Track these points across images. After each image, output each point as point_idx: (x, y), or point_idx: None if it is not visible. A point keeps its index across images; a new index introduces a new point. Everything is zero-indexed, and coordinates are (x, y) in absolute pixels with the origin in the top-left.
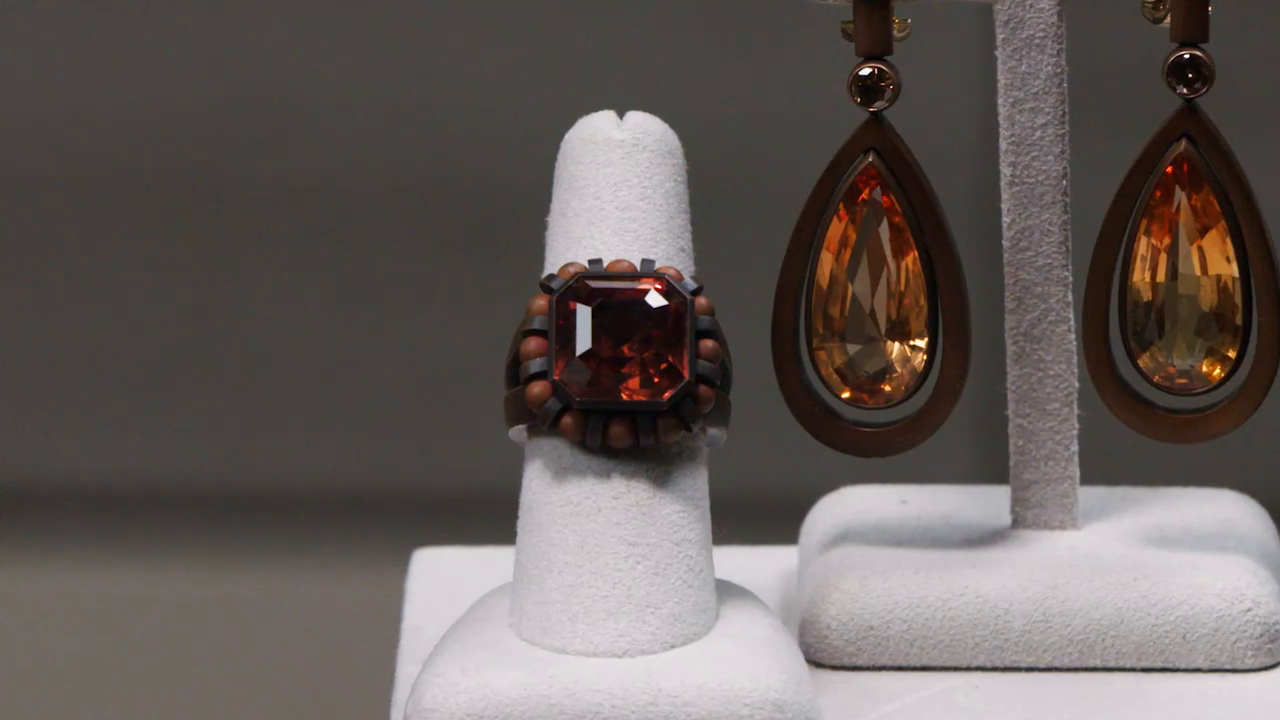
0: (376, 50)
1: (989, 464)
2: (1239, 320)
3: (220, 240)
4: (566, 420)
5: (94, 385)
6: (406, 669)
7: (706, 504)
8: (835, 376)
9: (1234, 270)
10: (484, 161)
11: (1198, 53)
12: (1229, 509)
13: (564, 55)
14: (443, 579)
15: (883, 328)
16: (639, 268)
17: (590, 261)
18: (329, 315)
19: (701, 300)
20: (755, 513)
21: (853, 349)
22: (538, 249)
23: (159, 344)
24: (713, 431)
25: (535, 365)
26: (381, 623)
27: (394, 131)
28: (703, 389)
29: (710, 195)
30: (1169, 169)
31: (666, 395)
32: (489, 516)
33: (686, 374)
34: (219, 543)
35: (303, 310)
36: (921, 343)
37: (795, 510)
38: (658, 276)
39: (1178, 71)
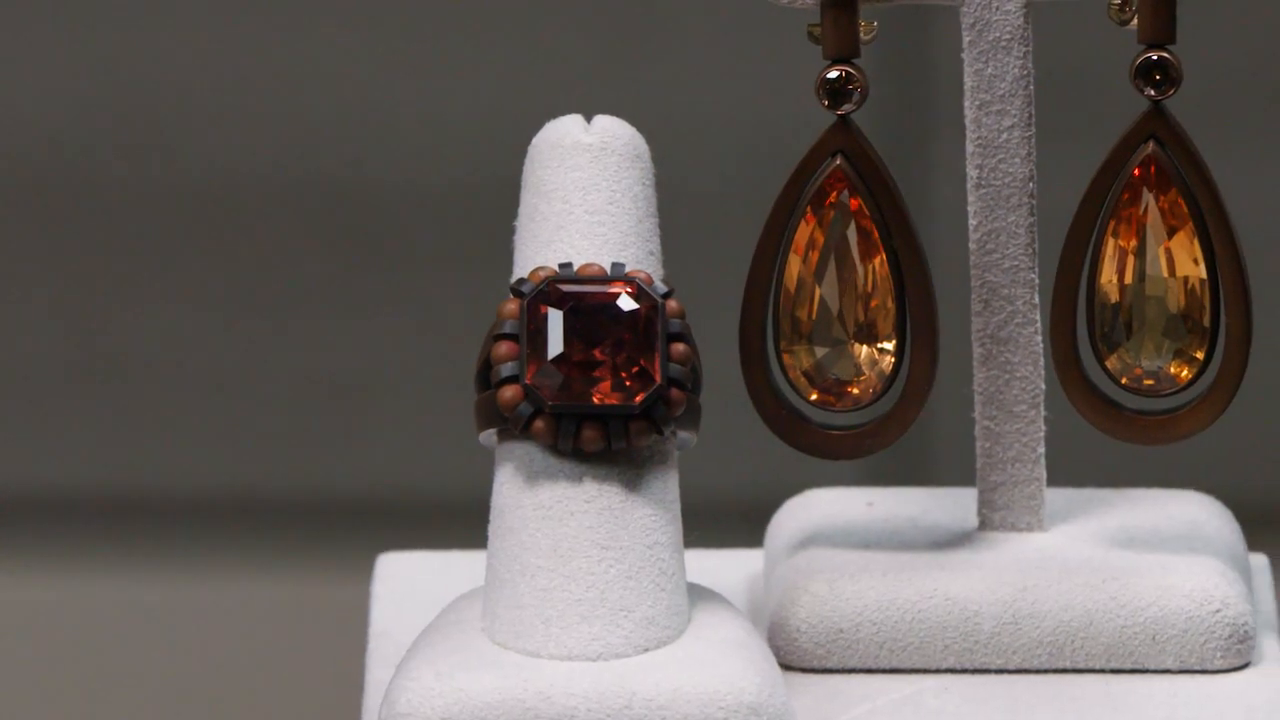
0: (317, 54)
1: (954, 466)
2: (1207, 322)
3: (169, 244)
4: (538, 424)
5: (50, 392)
6: (377, 673)
7: (678, 507)
8: (803, 379)
9: (1202, 272)
10: (445, 168)
11: (1165, 54)
12: (1195, 510)
13: (524, 59)
14: (408, 583)
15: (850, 330)
16: (609, 271)
17: (560, 265)
18: (291, 322)
19: (672, 304)
20: (719, 516)
21: (820, 352)
22: (495, 254)
23: (122, 350)
24: (683, 434)
25: (507, 369)
26: (346, 628)
27: (361, 138)
28: (674, 392)
29: (676, 199)
30: (1136, 171)
31: (638, 399)
32: (449, 522)
33: (658, 377)
34: (182, 550)
35: (266, 317)
36: (889, 345)
37: (758, 513)
38: (628, 280)
39: (1145, 73)
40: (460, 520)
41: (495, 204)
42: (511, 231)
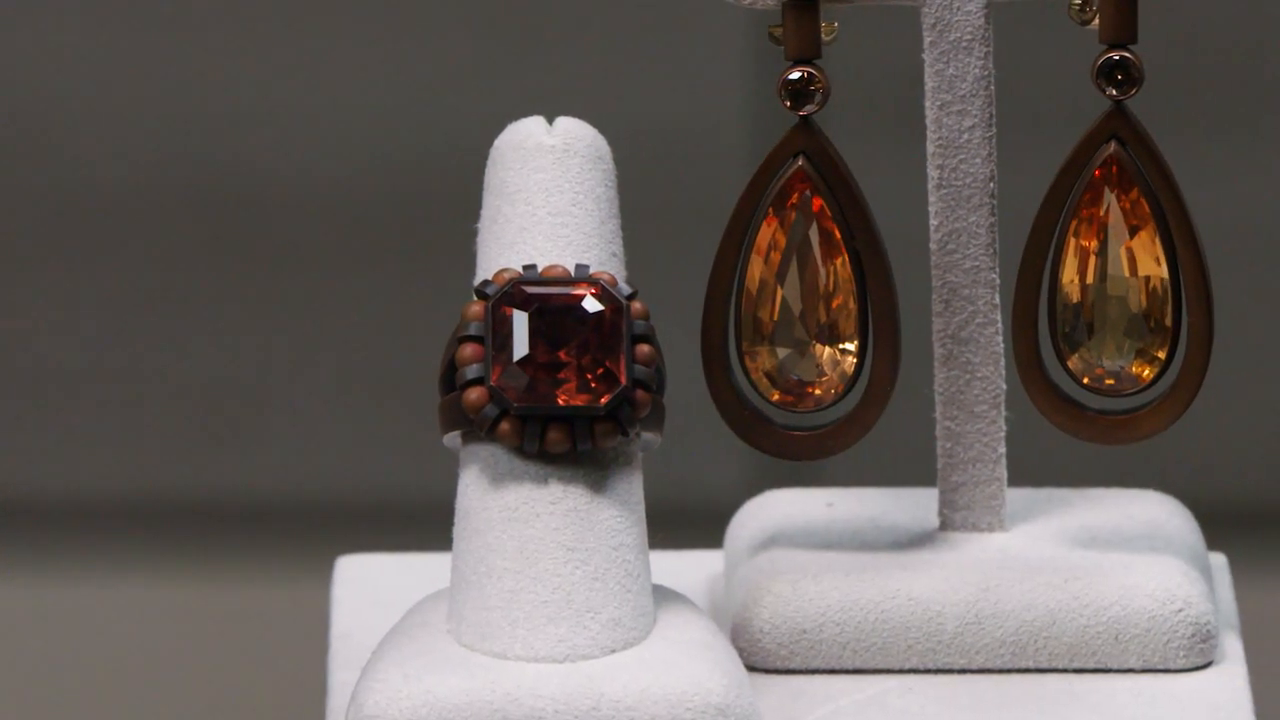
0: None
1: (912, 467)
2: (1168, 321)
3: (147, 251)
4: (504, 426)
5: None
6: (340, 675)
7: (642, 509)
8: (765, 380)
9: (1163, 271)
10: (406, 169)
11: (1126, 54)
12: (1155, 510)
13: (484, 62)
14: (368, 585)
15: (812, 331)
16: (573, 273)
17: (525, 267)
18: (245, 326)
19: (637, 305)
20: (677, 517)
21: (782, 353)
22: (451, 256)
23: (71, 356)
24: (647, 436)
25: (472, 371)
26: (303, 631)
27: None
28: (639, 394)
29: (637, 200)
30: (1098, 171)
31: (604, 400)
32: (402, 525)
33: (623, 379)
34: (132, 555)
35: (218, 322)
36: (851, 346)
37: (714, 514)
38: (593, 282)
39: (1107, 73)
40: (414, 523)
41: (422, 202)
42: (436, 230)
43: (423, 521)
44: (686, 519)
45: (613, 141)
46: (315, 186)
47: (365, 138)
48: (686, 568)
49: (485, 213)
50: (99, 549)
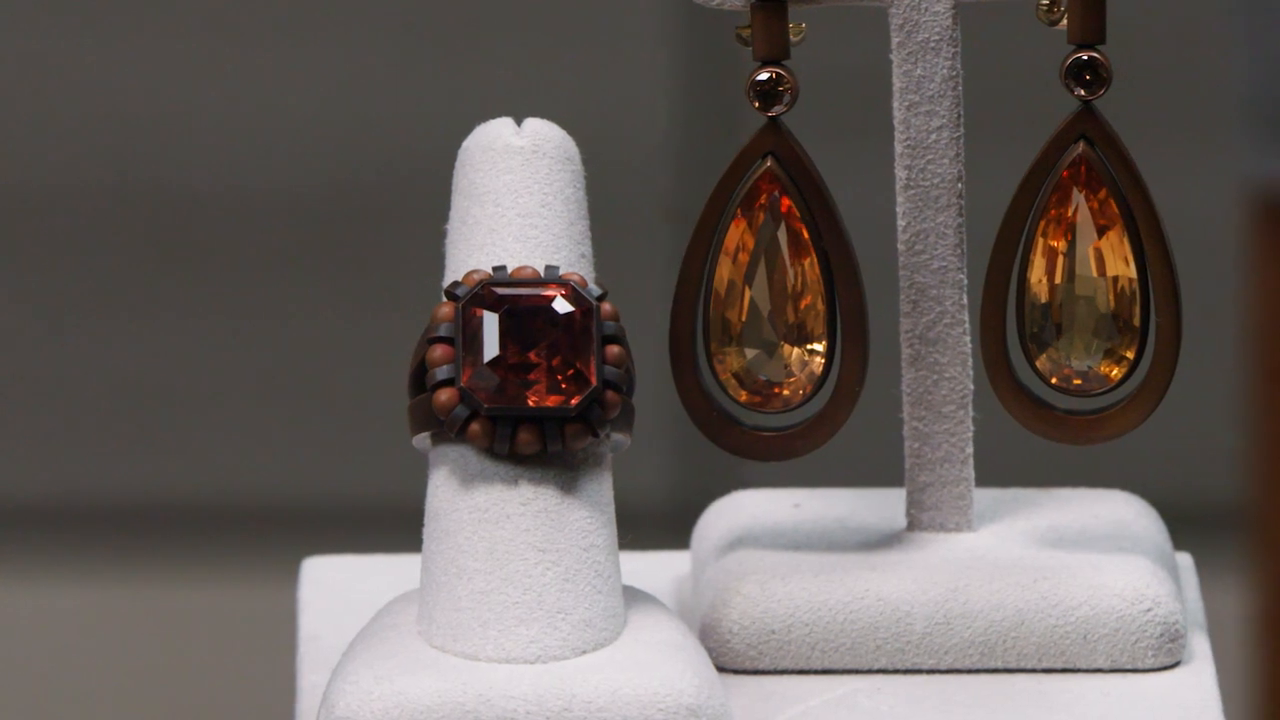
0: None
1: (879, 467)
2: (1137, 321)
3: (105, 255)
4: (474, 427)
5: None
6: (310, 677)
7: (612, 510)
8: (733, 381)
9: (1132, 271)
10: (362, 174)
11: (1095, 54)
12: (1121, 509)
13: (411, 65)
14: (335, 587)
15: (780, 332)
16: (543, 274)
17: (494, 268)
18: (207, 328)
19: (606, 306)
20: (642, 518)
21: (750, 353)
22: (409, 258)
23: (26, 358)
24: (617, 437)
25: (442, 372)
26: (270, 633)
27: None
28: (610, 395)
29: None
30: (1066, 171)
31: (575, 401)
32: (367, 526)
33: (594, 380)
34: (98, 559)
35: (183, 326)
36: (819, 347)
37: (679, 516)
38: (563, 283)
39: (1075, 73)
40: (376, 525)
41: (361, 204)
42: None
43: (385, 524)
44: (648, 520)
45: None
46: (253, 189)
47: (297, 140)
48: (652, 569)
49: (454, 214)
50: (57, 553)
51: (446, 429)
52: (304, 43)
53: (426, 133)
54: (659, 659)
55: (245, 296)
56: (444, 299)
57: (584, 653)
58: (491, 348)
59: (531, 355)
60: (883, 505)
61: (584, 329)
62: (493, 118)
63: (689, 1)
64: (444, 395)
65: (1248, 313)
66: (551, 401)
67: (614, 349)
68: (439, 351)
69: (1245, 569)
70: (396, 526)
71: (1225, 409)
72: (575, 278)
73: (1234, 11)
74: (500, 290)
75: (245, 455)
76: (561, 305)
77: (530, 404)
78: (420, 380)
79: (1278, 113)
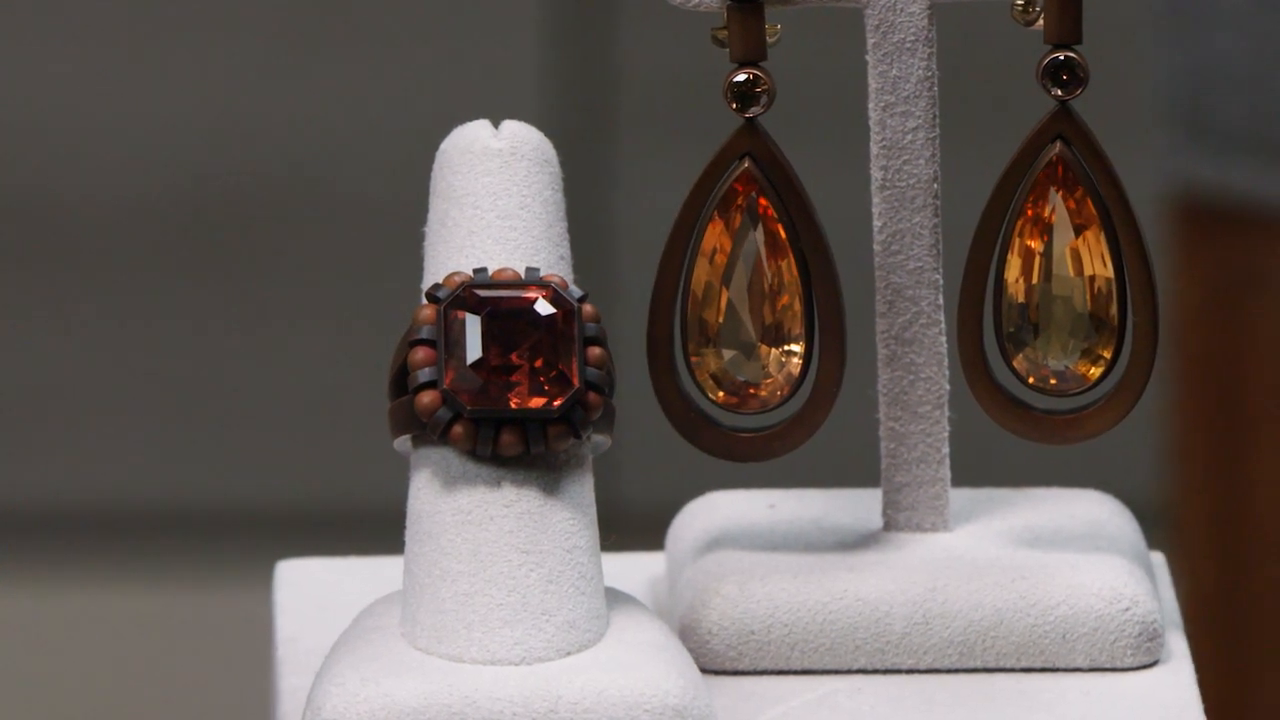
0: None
1: (853, 467)
2: (1114, 321)
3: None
4: (457, 429)
5: None
6: (290, 680)
7: (594, 511)
8: (710, 382)
9: (1109, 271)
10: (336, 181)
11: (1071, 54)
12: (1096, 509)
13: (279, 68)
14: (310, 589)
15: (757, 333)
16: (524, 276)
17: (475, 270)
18: (182, 333)
19: (588, 308)
20: (616, 519)
21: (728, 354)
22: (381, 266)
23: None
24: (598, 438)
25: (424, 375)
26: (243, 637)
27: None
28: (592, 396)
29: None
30: (1043, 171)
31: (557, 403)
32: (336, 529)
33: (576, 381)
34: (73, 564)
35: (156, 329)
36: (797, 348)
37: (650, 517)
38: (544, 285)
39: (1052, 73)
40: (346, 529)
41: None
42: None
43: (353, 527)
44: (623, 521)
45: (401, 141)
46: (126, 194)
47: (171, 144)
48: (627, 570)
49: (432, 216)
50: (28, 560)
51: (429, 431)
52: (171, 46)
53: (299, 134)
54: (643, 660)
55: (214, 301)
56: (424, 301)
57: (568, 654)
58: (474, 350)
59: (514, 357)
60: (857, 506)
61: (566, 331)
62: (360, 118)
63: None
64: (426, 398)
65: (1169, 312)
66: (534, 403)
67: (595, 350)
68: (421, 354)
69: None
70: (364, 530)
71: (1148, 407)
72: (556, 279)
73: (1155, 13)
74: (482, 292)
75: (214, 461)
76: (543, 307)
77: (513, 406)
78: (401, 383)
79: (1198, 114)
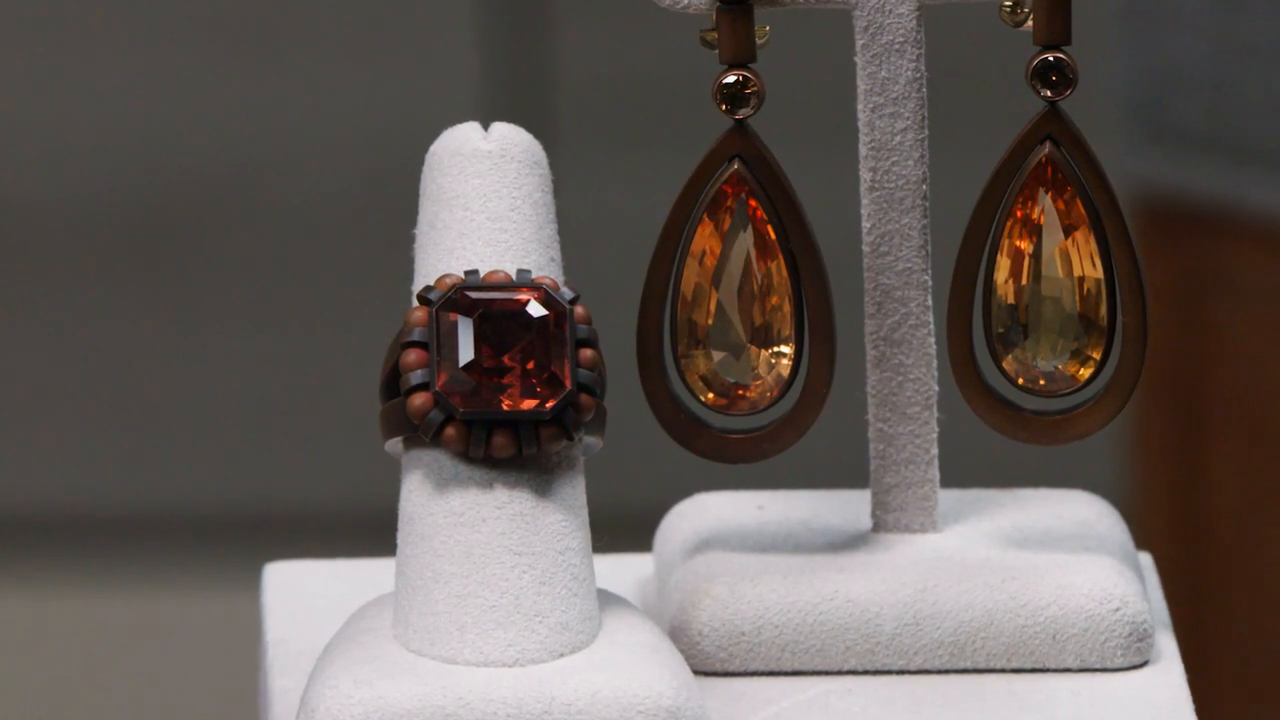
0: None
1: (840, 468)
2: (1104, 321)
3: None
4: (449, 431)
5: None
6: (280, 681)
7: (585, 512)
8: (700, 383)
9: (1098, 272)
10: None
11: (1060, 55)
12: (1084, 510)
13: (210, 73)
14: (298, 592)
15: (747, 335)
16: (515, 278)
17: (467, 272)
18: (170, 336)
19: (579, 309)
20: (602, 521)
21: (717, 356)
22: (379, 268)
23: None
24: (589, 440)
25: (416, 377)
26: (229, 640)
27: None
28: (584, 398)
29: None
30: (1033, 172)
31: (550, 405)
32: (318, 533)
33: (568, 383)
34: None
35: (141, 333)
36: (787, 349)
37: (635, 519)
38: (536, 287)
39: (1042, 74)
40: (329, 532)
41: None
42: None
43: (341, 531)
44: (609, 523)
45: (340, 144)
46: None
47: (111, 149)
48: (614, 571)
49: (422, 219)
50: (13, 565)
51: (421, 433)
52: (105, 49)
53: (234, 137)
54: (637, 661)
55: (196, 302)
56: (415, 303)
57: (562, 655)
58: (466, 352)
59: (506, 359)
60: (845, 507)
61: (558, 333)
62: (299, 121)
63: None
64: (418, 400)
65: None
66: (526, 405)
67: (587, 352)
68: (413, 356)
69: None
70: (349, 533)
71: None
72: (548, 281)
73: (1113, 13)
74: (473, 294)
75: (199, 465)
76: (535, 309)
77: (505, 408)
78: (393, 385)
79: (1158, 116)
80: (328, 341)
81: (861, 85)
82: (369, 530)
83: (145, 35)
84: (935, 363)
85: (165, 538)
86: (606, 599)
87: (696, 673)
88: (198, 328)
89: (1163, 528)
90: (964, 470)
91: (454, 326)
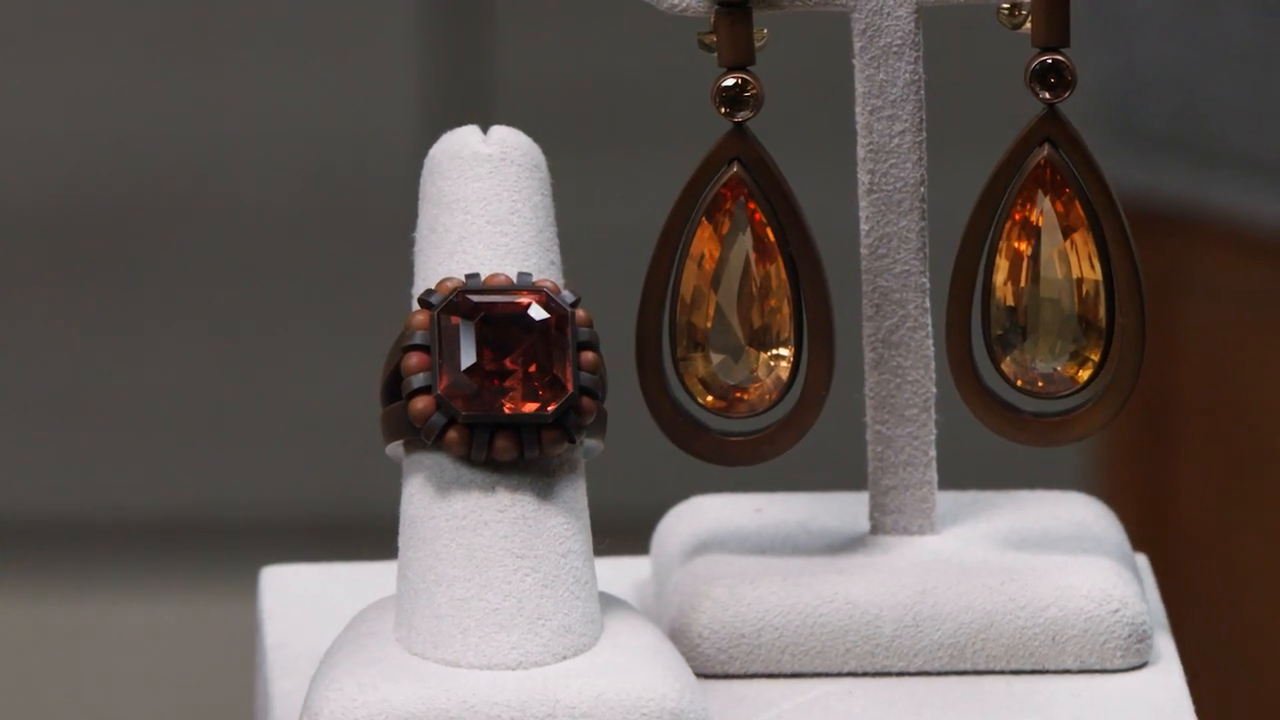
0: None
1: (837, 470)
2: (1102, 323)
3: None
4: (451, 435)
5: None
6: (281, 684)
7: (587, 515)
8: (699, 386)
9: (1097, 274)
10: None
11: (1059, 57)
12: (1081, 511)
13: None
14: (296, 595)
15: (746, 337)
16: (516, 281)
17: (468, 276)
18: (167, 341)
19: (580, 312)
20: (600, 524)
21: (716, 358)
22: (379, 271)
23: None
24: (590, 443)
25: (418, 380)
26: (225, 645)
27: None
28: (585, 400)
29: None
30: (1031, 174)
31: (551, 408)
32: (322, 537)
33: (570, 386)
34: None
35: (137, 340)
36: (785, 351)
37: (632, 522)
38: (537, 290)
39: (1040, 76)
40: (322, 537)
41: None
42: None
43: (337, 534)
44: (605, 525)
45: (285, 146)
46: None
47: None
48: (612, 574)
49: (422, 222)
50: (10, 571)
51: (423, 437)
52: (46, 54)
53: (179, 139)
54: (639, 663)
55: (195, 308)
56: (416, 307)
57: (564, 658)
58: (468, 355)
59: (507, 362)
60: (843, 509)
61: (559, 335)
62: (244, 123)
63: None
64: (420, 403)
65: None
66: (528, 408)
67: (588, 355)
68: (414, 359)
69: None
70: (347, 537)
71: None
72: (549, 285)
73: (1082, 15)
74: (475, 298)
75: (189, 471)
76: (537, 312)
77: (506, 411)
78: (394, 388)
79: (1125, 117)
80: (325, 343)
81: (860, 88)
82: (370, 534)
83: (87, 39)
84: (933, 365)
85: (159, 543)
86: (608, 601)
87: (696, 675)
88: (200, 332)
89: (1130, 528)
90: (960, 472)
91: (456, 330)
